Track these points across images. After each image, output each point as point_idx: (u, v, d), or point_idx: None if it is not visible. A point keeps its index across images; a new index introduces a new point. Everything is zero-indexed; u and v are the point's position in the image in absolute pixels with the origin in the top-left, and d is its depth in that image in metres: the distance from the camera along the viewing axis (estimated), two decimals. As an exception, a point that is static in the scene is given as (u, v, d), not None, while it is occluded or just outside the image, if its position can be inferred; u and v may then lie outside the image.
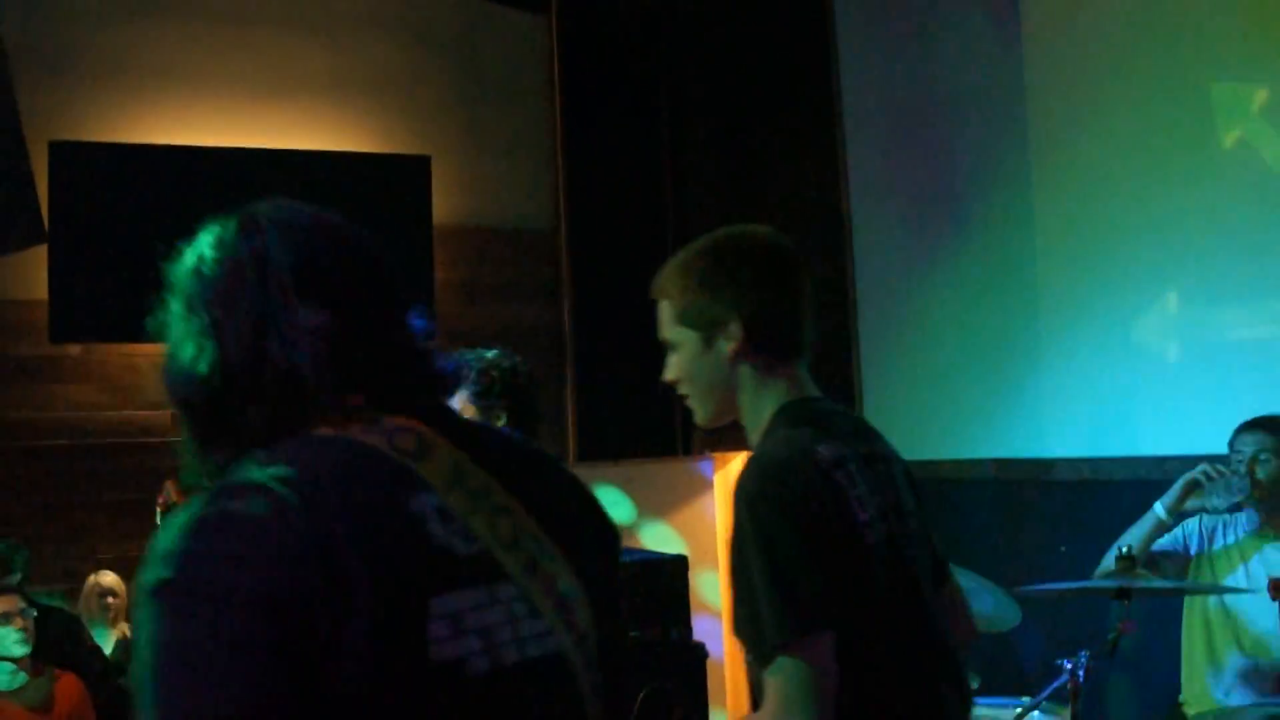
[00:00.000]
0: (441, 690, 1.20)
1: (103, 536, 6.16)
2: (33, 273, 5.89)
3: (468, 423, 1.46)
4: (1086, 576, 4.63)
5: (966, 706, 2.13)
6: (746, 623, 1.90)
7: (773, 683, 1.85)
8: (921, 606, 2.08)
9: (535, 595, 1.30)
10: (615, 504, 6.74)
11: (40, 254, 5.82)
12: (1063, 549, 4.78)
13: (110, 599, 5.77)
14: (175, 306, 1.41)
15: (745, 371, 2.09)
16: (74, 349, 6.14)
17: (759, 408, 2.10)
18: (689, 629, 4.85)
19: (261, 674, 1.12)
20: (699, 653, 4.91)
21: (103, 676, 5.10)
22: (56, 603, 5.57)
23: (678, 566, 4.99)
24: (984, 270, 5.14)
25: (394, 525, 1.23)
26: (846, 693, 1.86)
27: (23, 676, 4.24)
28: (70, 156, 5.87)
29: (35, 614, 4.29)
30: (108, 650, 5.68)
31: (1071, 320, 4.78)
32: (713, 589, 6.76)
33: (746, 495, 1.94)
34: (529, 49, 7.09)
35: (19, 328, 6.04)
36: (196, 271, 1.40)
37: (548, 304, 6.97)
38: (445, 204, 6.59)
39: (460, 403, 3.08)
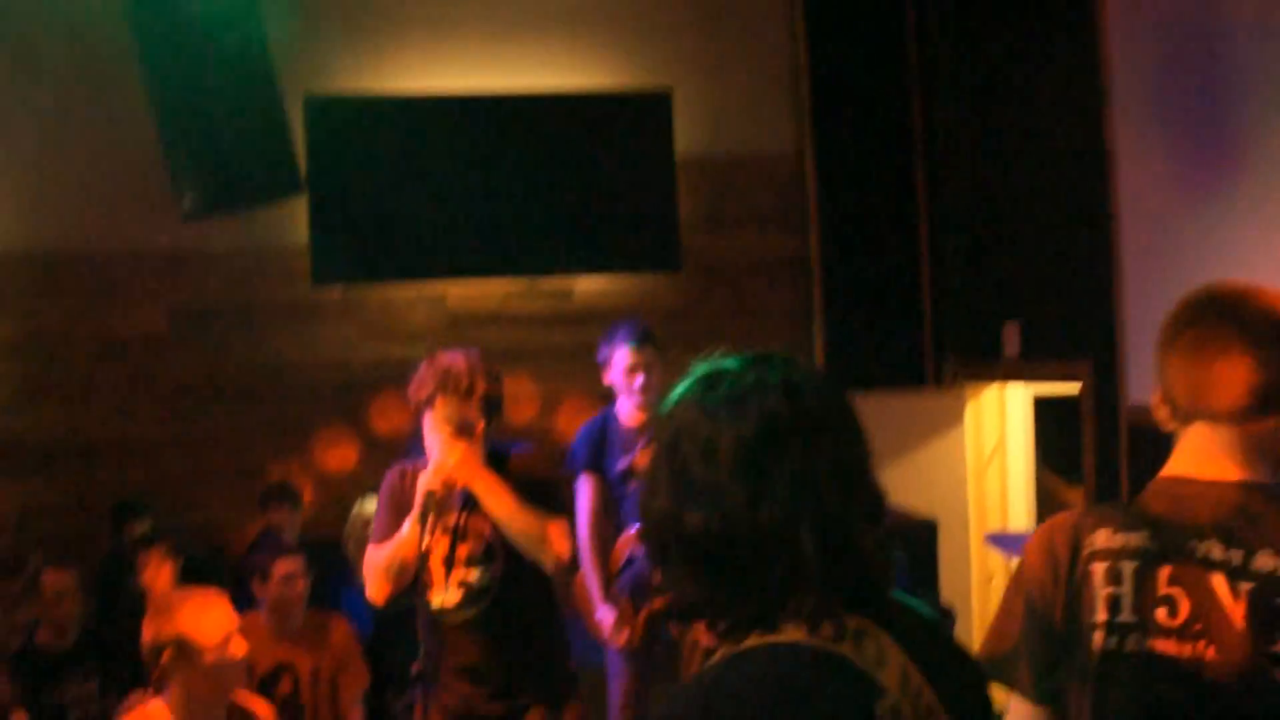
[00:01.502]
0: None
1: (368, 468, 6.45)
2: (294, 220, 6.16)
3: (900, 612, 1.45)
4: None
5: None
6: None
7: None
8: None
9: None
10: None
11: (300, 202, 6.07)
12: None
13: (376, 526, 6.05)
14: (691, 452, 1.38)
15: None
16: (335, 292, 6.41)
17: None
18: (937, 595, 4.78)
19: None
20: (947, 619, 4.83)
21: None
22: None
23: (926, 532, 4.90)
24: (1273, 205, 4.72)
25: None
26: None
27: (296, 623, 4.50)
28: (324, 109, 6.08)
29: (313, 575, 4.55)
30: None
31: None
32: (961, 530, 6.60)
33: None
34: (766, -29, 6.87)
35: (283, 274, 6.36)
36: (735, 422, 1.37)
37: (794, 233, 6.82)
38: (687, 135, 6.52)
39: None
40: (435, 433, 3.59)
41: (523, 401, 6.59)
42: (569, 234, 6.37)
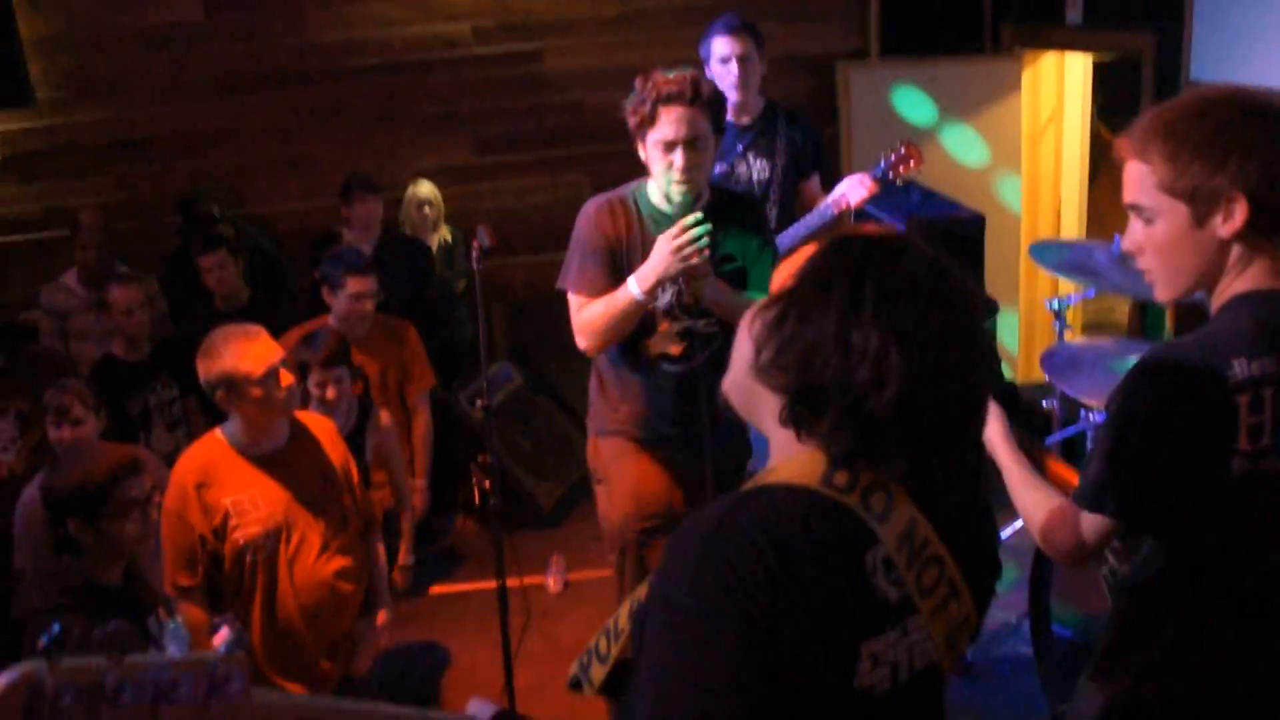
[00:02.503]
0: (853, 709, 1.45)
1: (419, 149, 6.48)
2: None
3: (927, 469, 1.50)
4: None
5: None
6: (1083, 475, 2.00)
7: (1085, 521, 1.99)
8: None
9: (934, 629, 1.51)
10: (918, 105, 6.52)
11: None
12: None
13: (427, 208, 6.12)
14: (876, 294, 1.45)
15: (1231, 251, 1.89)
16: (373, -32, 6.20)
17: (1226, 288, 1.93)
18: (983, 289, 4.82)
19: (742, 687, 1.36)
20: (991, 309, 4.90)
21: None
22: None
23: (974, 227, 4.88)
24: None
25: (849, 579, 1.43)
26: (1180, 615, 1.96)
27: (364, 330, 4.64)
28: None
29: (381, 296, 4.65)
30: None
31: None
32: (1013, 193, 6.58)
33: (1130, 383, 1.91)
34: None
35: (319, -49, 6.13)
36: (937, 303, 1.45)
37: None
38: None
39: None
40: (662, 155, 3.24)
41: (569, 75, 6.49)
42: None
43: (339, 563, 3.39)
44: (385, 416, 4.36)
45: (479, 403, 3.45)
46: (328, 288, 4.59)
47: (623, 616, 1.56)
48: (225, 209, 5.97)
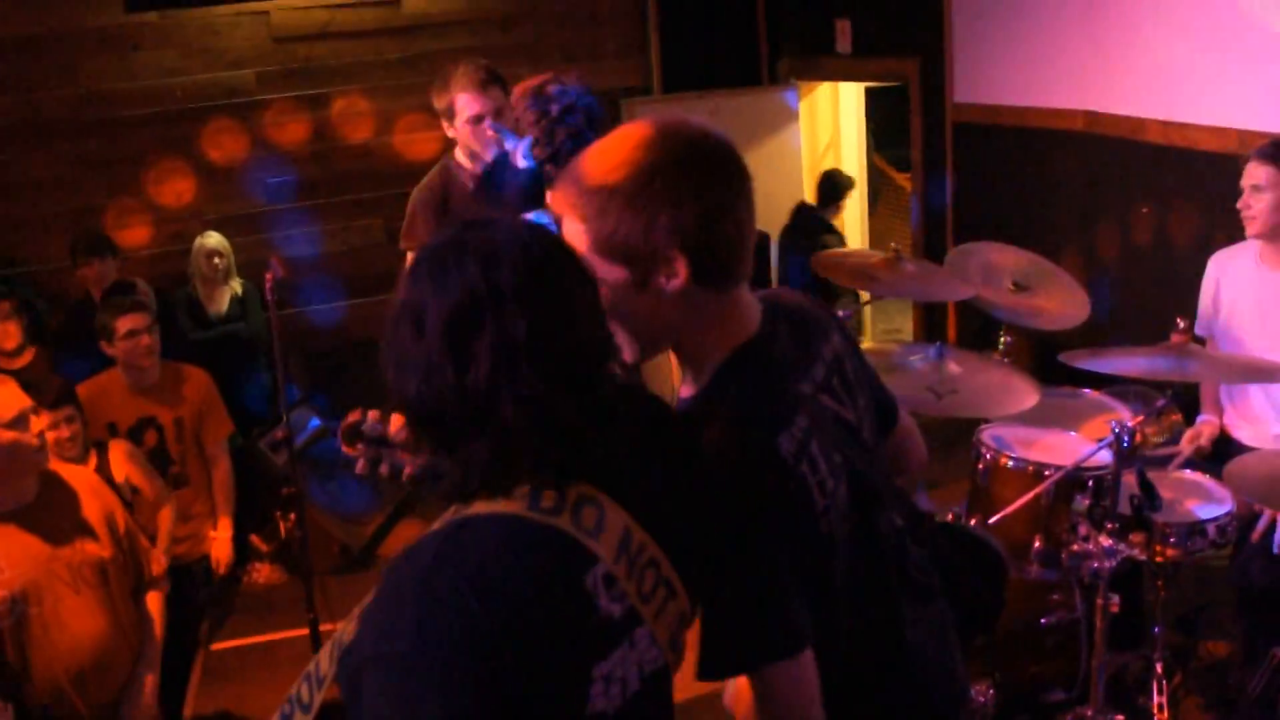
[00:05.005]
0: None
1: (205, 198, 6.37)
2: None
3: (633, 463, 1.48)
4: (1165, 244, 4.63)
5: (934, 611, 1.92)
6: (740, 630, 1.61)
7: (777, 687, 1.61)
8: (875, 553, 1.80)
9: (658, 633, 1.48)
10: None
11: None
12: (1145, 210, 4.75)
13: (217, 259, 6.00)
14: (405, 324, 1.40)
15: (686, 308, 1.66)
16: (151, 16, 6.08)
17: (702, 351, 1.72)
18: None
19: None
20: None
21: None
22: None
23: (760, 245, 5.06)
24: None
25: (574, 607, 1.39)
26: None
27: (152, 377, 4.52)
28: None
29: (158, 329, 4.51)
30: (223, 307, 6.01)
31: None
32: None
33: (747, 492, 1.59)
34: None
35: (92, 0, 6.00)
36: (438, 293, 1.38)
37: (625, -69, 6.66)
38: None
39: None
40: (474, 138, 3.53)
41: (356, 120, 6.50)
42: (392, -57, 6.14)
43: (99, 623, 3.21)
44: (114, 446, 4.25)
45: (279, 435, 3.40)
46: (105, 341, 4.49)
47: (324, 661, 1.49)
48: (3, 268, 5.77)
